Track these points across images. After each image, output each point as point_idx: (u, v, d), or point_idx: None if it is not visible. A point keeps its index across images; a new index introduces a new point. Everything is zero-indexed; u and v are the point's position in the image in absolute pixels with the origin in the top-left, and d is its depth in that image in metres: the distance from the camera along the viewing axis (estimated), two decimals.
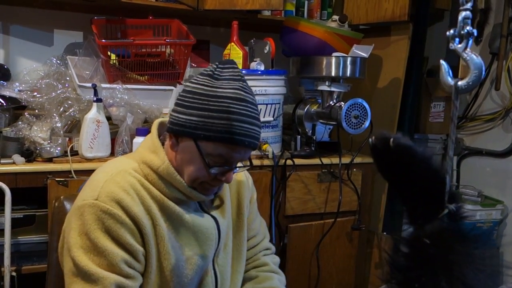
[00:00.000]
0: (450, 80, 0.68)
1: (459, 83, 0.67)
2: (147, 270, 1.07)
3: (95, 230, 1.00)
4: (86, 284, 0.99)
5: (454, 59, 2.28)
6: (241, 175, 1.29)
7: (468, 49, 0.65)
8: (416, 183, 0.72)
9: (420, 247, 0.70)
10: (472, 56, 0.66)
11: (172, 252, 1.08)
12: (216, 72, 1.05)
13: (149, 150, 1.10)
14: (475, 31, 0.65)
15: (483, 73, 0.65)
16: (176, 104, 1.06)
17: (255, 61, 1.99)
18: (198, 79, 1.05)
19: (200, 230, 1.12)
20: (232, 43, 2.04)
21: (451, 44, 0.66)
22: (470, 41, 0.65)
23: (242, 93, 1.03)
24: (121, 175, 1.05)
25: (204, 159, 1.03)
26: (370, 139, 0.73)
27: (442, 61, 0.67)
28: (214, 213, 1.18)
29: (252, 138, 1.04)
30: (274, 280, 1.27)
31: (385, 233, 2.23)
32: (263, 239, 1.35)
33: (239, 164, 1.12)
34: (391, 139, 0.70)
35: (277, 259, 1.37)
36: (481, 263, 0.69)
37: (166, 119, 1.15)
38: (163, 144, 1.11)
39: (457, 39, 0.66)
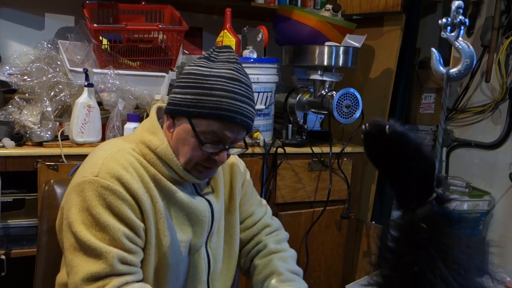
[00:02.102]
0: (442, 68, 0.69)
1: (451, 71, 0.68)
2: (147, 246, 1.09)
3: (97, 206, 1.02)
4: (89, 259, 1.00)
5: (445, 51, 2.30)
6: (234, 159, 1.30)
7: (460, 38, 0.66)
8: (408, 169, 0.74)
9: (415, 231, 0.72)
10: (464, 45, 0.67)
11: (169, 230, 1.10)
12: (212, 55, 1.10)
13: (148, 131, 1.13)
14: (467, 20, 0.66)
15: (474, 62, 0.66)
16: (174, 87, 1.11)
17: (248, 49, 1.98)
18: (195, 62, 1.10)
19: (194, 212, 1.14)
20: (225, 31, 2.04)
21: (443, 33, 0.67)
22: (462, 30, 0.66)
23: (236, 73, 1.07)
24: (120, 153, 1.08)
25: (197, 136, 1.06)
26: (363, 126, 0.74)
27: (433, 49, 0.68)
28: (208, 196, 1.20)
29: (244, 116, 1.07)
30: (271, 263, 1.23)
31: (373, 222, 2.25)
32: (262, 218, 1.34)
33: (235, 150, 1.14)
34: (387, 126, 0.72)
35: (281, 235, 1.32)
36: (469, 243, 0.71)
37: (165, 104, 1.18)
38: (162, 128, 1.14)
39: (449, 28, 0.67)
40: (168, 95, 1.99)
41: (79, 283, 0.99)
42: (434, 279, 0.68)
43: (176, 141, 1.10)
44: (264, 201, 1.39)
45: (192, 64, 1.10)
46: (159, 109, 1.19)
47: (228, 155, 1.13)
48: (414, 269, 0.69)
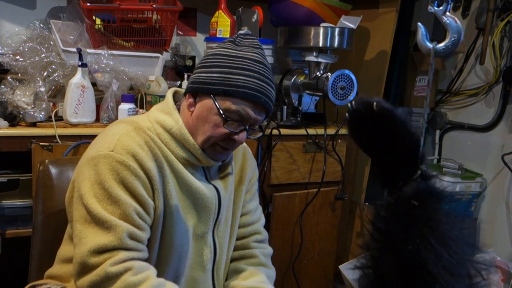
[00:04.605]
0: (428, 44, 0.69)
1: (437, 46, 0.68)
2: (154, 225, 1.10)
3: (110, 180, 1.02)
4: (99, 231, 1.01)
5: (440, 34, 2.30)
6: (247, 151, 1.32)
7: (447, 13, 0.66)
8: (394, 146, 0.74)
9: (405, 209, 0.72)
10: (451, 20, 0.67)
11: (176, 212, 1.11)
12: (237, 40, 1.12)
13: (163, 112, 1.14)
14: None
15: (462, 37, 0.66)
16: (198, 67, 1.12)
17: (243, 29, 1.96)
18: (220, 44, 1.13)
19: (200, 198, 1.15)
20: (220, 11, 2.02)
21: (430, 7, 0.66)
22: (450, 5, 0.65)
23: (261, 57, 1.11)
24: (136, 131, 1.09)
25: (221, 113, 1.07)
26: (349, 104, 0.74)
27: (419, 24, 0.68)
28: (217, 184, 1.20)
29: (267, 98, 1.10)
30: (261, 277, 1.25)
31: (367, 203, 2.27)
32: (255, 222, 1.34)
33: (254, 134, 1.16)
34: (375, 103, 0.72)
35: (268, 250, 1.35)
36: (457, 217, 0.72)
37: (181, 89, 1.22)
38: (178, 110, 1.15)
39: (436, 2, 0.66)
40: (162, 76, 1.98)
41: (85, 254, 1.00)
42: (428, 255, 0.68)
43: (196, 120, 1.11)
44: (260, 208, 1.39)
45: (217, 47, 1.12)
46: (175, 93, 1.20)
47: (247, 137, 1.14)
48: (408, 248, 0.69)
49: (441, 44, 0.68)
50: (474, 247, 0.73)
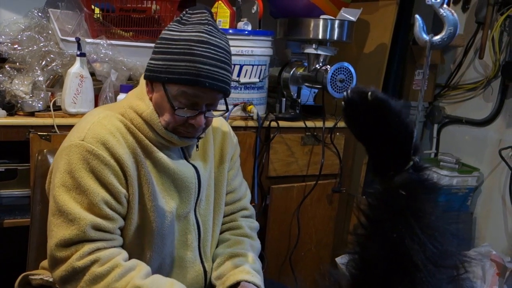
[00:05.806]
0: (425, 36, 0.70)
1: (434, 38, 0.69)
2: (130, 211, 1.10)
3: (80, 169, 1.03)
4: (63, 224, 1.02)
5: (440, 27, 2.29)
6: (227, 129, 1.30)
7: (444, 5, 0.67)
8: (387, 136, 0.74)
9: (393, 198, 0.73)
10: (448, 13, 0.67)
11: (154, 196, 1.11)
12: (184, 18, 1.09)
13: (137, 97, 1.14)
14: None
15: (457, 30, 0.67)
16: (152, 52, 1.11)
17: (242, 21, 1.96)
18: (169, 26, 1.09)
19: (180, 178, 1.16)
20: (219, 2, 2.01)
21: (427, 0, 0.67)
22: None
23: (207, 35, 1.05)
24: (108, 119, 1.09)
25: (170, 102, 1.06)
26: (345, 93, 0.74)
27: (417, 16, 0.68)
28: (196, 163, 1.21)
29: (215, 80, 1.06)
30: (244, 245, 1.28)
31: (364, 196, 2.28)
32: (242, 198, 1.37)
33: (216, 113, 1.15)
34: (369, 92, 0.72)
35: (255, 224, 1.37)
36: (445, 210, 0.73)
37: None
38: None
39: None
40: None
41: (53, 248, 1.02)
42: (411, 244, 0.69)
43: (156, 105, 1.11)
44: (245, 183, 1.40)
45: (166, 29, 1.10)
46: None
47: (208, 118, 1.12)
48: (393, 236, 0.70)
49: (437, 37, 0.69)
50: (461, 240, 0.74)
